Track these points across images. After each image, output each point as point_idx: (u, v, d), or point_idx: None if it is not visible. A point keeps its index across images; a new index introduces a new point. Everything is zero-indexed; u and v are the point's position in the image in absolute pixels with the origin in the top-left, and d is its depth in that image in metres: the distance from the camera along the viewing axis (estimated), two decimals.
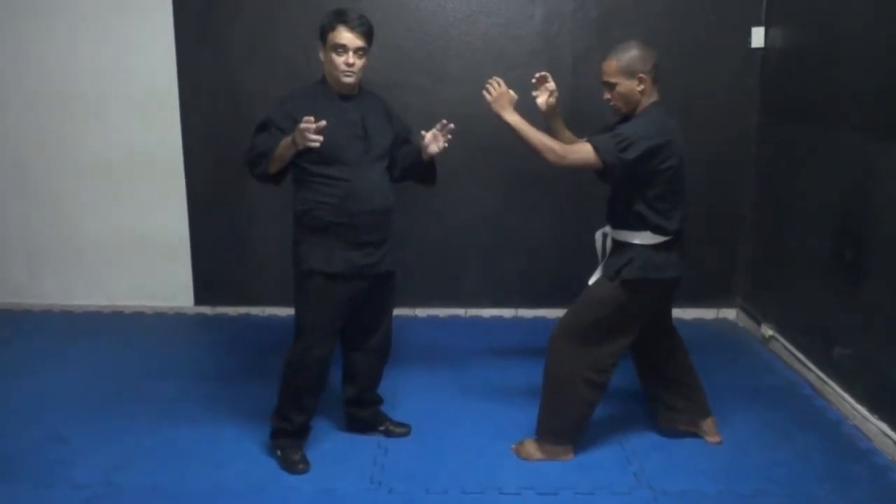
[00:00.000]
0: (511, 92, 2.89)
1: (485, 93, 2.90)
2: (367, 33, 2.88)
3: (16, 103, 4.72)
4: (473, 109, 4.33)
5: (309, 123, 2.65)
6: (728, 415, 3.44)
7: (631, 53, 2.82)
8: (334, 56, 2.85)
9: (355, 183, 2.90)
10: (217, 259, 4.87)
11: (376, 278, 3.05)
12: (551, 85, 3.09)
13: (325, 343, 3.04)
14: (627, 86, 2.84)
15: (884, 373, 3.24)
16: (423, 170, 3.16)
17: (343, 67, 2.86)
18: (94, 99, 4.67)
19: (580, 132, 3.17)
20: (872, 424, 3.27)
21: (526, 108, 2.94)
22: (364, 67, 2.92)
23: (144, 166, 4.75)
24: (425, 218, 4.71)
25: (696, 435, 3.27)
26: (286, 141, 2.78)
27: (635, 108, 2.89)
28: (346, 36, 2.83)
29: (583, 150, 2.80)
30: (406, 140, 3.16)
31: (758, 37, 4.43)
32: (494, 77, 2.91)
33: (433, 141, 3.02)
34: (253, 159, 2.91)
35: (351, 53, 2.84)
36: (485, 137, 4.50)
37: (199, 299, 4.95)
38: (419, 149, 3.07)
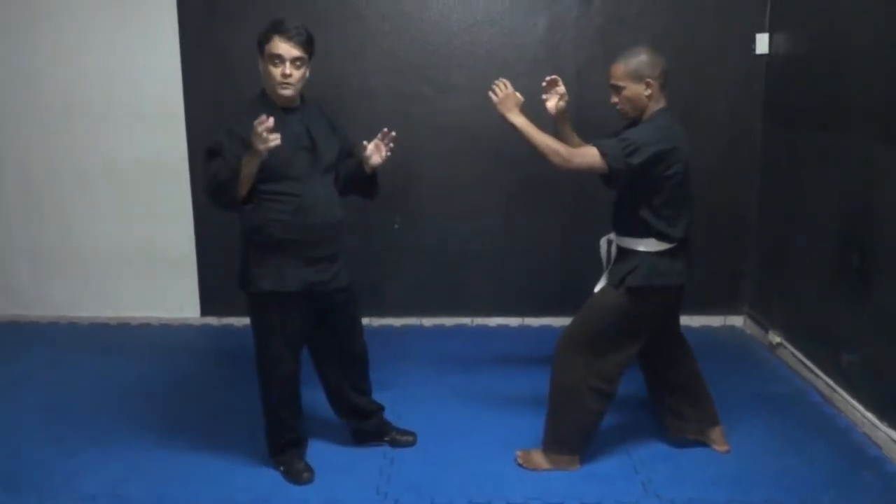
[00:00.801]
0: (517, 94, 2.88)
1: (491, 94, 2.89)
2: (305, 43, 2.79)
3: (22, 113, 4.74)
4: (478, 119, 4.38)
5: (262, 124, 2.55)
6: (736, 423, 3.42)
7: (639, 58, 2.83)
8: (271, 68, 2.77)
9: (305, 197, 2.82)
10: (223, 269, 4.79)
11: (333, 295, 3.00)
12: (561, 88, 3.09)
13: (288, 362, 3.03)
14: (634, 90, 2.84)
15: (893, 380, 3.22)
16: (367, 182, 3.10)
17: (279, 79, 2.77)
18: (100, 109, 4.69)
19: (585, 140, 3.16)
20: (882, 432, 3.25)
21: (532, 116, 2.92)
22: (303, 78, 2.85)
23: (150, 176, 4.76)
24: (431, 227, 4.71)
25: (704, 444, 3.26)
26: (245, 157, 2.67)
27: (642, 112, 2.88)
28: (281, 46, 2.75)
29: (588, 154, 2.79)
30: (349, 153, 3.09)
31: (762, 43, 4.43)
32: (501, 79, 2.90)
33: (375, 151, 2.98)
34: (217, 188, 2.74)
35: (287, 64, 2.76)
36: (490, 147, 4.53)
37: (206, 310, 4.95)
38: (361, 160, 3.02)
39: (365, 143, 2.99)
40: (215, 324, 4.94)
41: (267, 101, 2.87)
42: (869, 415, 3.36)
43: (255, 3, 4.49)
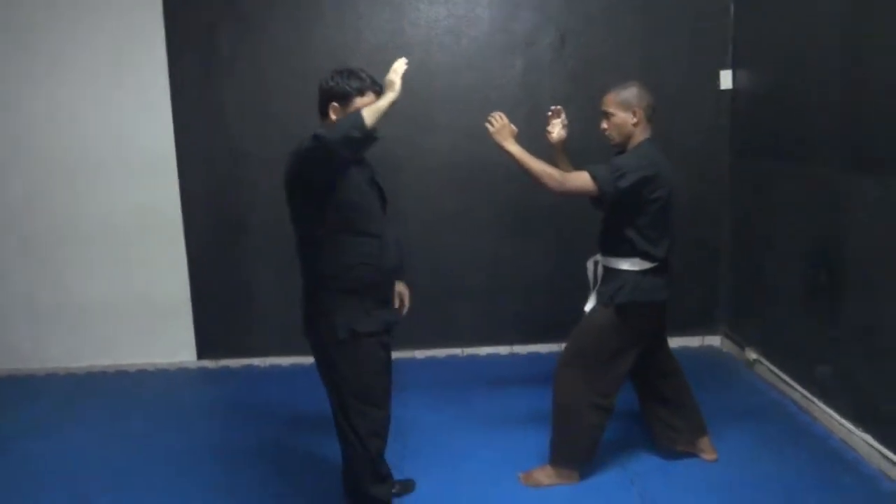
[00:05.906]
0: (512, 125, 3.09)
1: (487, 125, 3.10)
2: None
3: (19, 170, 4.80)
4: (461, 157, 4.58)
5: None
6: (721, 434, 3.59)
7: (630, 90, 3.10)
8: None
9: (384, 239, 2.82)
10: (218, 313, 4.95)
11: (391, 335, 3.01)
12: (565, 119, 3.34)
13: (388, 406, 2.96)
14: (622, 117, 3.10)
15: (863, 388, 3.42)
16: None
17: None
18: (95, 164, 4.78)
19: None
20: (858, 437, 3.44)
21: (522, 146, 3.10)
22: None
23: (145, 228, 4.84)
24: (420, 263, 4.83)
25: (693, 454, 3.44)
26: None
27: (628, 139, 3.13)
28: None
29: (581, 178, 3.02)
30: None
31: (726, 79, 4.68)
32: (497, 112, 3.11)
33: None
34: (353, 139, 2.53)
35: None
36: (474, 182, 4.72)
37: (202, 353, 5.01)
38: None
39: None
40: (212, 366, 4.99)
41: None
42: (844, 422, 3.55)
43: (244, 59, 4.67)
